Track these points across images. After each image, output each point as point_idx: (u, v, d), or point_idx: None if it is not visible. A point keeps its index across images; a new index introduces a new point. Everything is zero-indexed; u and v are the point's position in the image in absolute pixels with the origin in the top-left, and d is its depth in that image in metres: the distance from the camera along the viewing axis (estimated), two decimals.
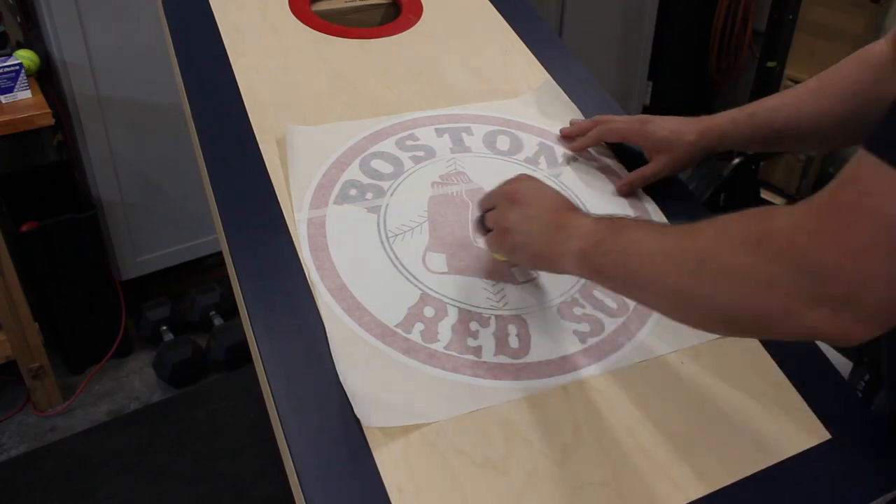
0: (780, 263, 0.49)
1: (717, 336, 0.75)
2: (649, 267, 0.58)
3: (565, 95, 1.00)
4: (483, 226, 0.75)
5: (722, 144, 0.87)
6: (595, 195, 0.90)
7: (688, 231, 0.57)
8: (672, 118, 0.89)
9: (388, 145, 0.90)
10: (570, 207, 0.70)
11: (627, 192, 0.90)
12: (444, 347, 0.70)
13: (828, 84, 0.81)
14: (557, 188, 0.89)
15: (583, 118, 0.98)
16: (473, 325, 0.73)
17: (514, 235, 0.70)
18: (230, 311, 2.11)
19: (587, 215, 0.68)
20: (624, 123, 0.90)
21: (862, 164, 0.47)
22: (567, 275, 0.69)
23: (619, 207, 0.88)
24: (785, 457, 0.66)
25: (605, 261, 0.62)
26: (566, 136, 0.95)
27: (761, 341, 0.75)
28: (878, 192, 0.46)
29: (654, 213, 0.89)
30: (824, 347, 0.79)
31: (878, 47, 0.78)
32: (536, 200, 0.70)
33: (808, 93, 0.82)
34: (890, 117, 0.47)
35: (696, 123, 0.87)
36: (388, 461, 0.61)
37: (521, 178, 0.75)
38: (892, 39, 0.76)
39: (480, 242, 0.81)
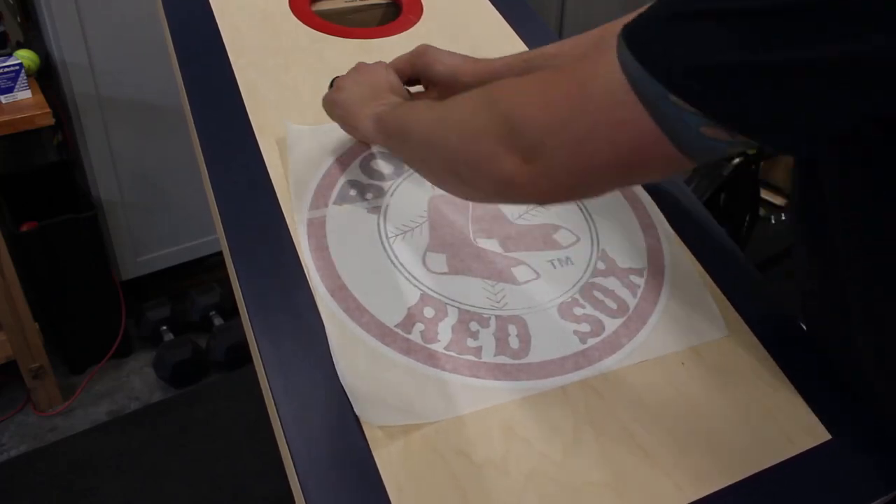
0: (491, 111, 0.53)
1: (717, 336, 0.76)
2: (415, 122, 0.67)
3: None
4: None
5: None
6: None
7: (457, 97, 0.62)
8: (448, 52, 0.87)
9: None
10: (395, 90, 0.80)
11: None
12: (444, 348, 0.70)
13: (611, 32, 0.78)
14: None
15: None
16: (473, 326, 0.73)
17: (340, 92, 0.82)
18: (230, 311, 2.11)
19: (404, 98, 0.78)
20: (404, 61, 0.87)
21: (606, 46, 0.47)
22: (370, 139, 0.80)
23: (619, 206, 0.88)
24: (785, 457, 0.66)
25: (390, 119, 0.72)
26: None
27: (762, 341, 0.75)
28: (593, 62, 0.48)
29: (653, 211, 0.89)
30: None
31: None
32: (371, 76, 0.82)
33: (590, 38, 0.83)
34: (645, 14, 0.47)
35: (472, 64, 0.85)
36: (388, 461, 0.61)
37: (377, 63, 0.85)
38: None
39: (481, 242, 0.81)
